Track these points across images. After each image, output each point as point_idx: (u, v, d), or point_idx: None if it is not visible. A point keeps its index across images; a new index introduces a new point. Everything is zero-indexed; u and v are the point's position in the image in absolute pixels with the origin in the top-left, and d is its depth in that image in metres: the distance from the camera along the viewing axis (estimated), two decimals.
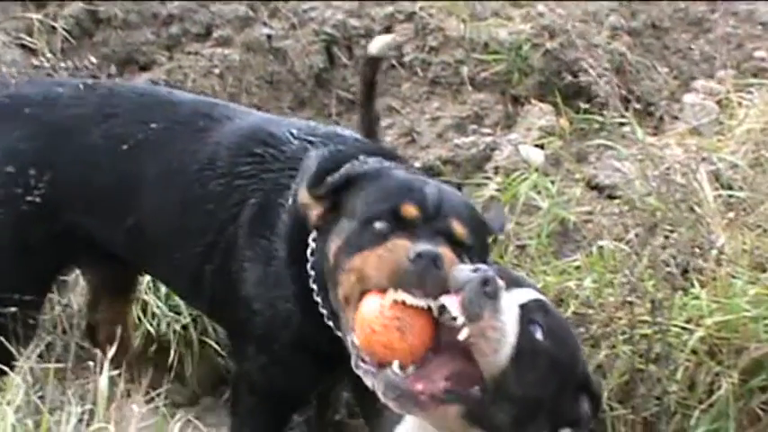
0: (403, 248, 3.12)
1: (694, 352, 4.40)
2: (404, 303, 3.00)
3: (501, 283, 2.87)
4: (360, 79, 4.62)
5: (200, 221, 3.74)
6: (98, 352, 3.83)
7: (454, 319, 2.87)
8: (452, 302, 2.87)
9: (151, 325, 4.67)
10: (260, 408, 3.79)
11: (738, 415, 4.34)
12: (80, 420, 3.26)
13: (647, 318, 4.44)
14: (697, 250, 4.71)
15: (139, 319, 4.66)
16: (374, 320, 3.01)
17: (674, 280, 4.52)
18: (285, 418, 3.92)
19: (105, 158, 3.82)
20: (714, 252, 4.66)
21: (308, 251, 3.48)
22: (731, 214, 4.84)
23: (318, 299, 3.47)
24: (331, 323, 3.44)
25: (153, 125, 3.81)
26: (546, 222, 4.95)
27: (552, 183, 5.12)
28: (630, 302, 4.44)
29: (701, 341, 4.40)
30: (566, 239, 5.01)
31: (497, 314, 2.82)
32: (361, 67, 4.79)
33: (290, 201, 3.56)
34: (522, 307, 2.89)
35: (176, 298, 4.62)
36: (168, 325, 4.70)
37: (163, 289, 4.69)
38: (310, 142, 3.71)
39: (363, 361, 3.05)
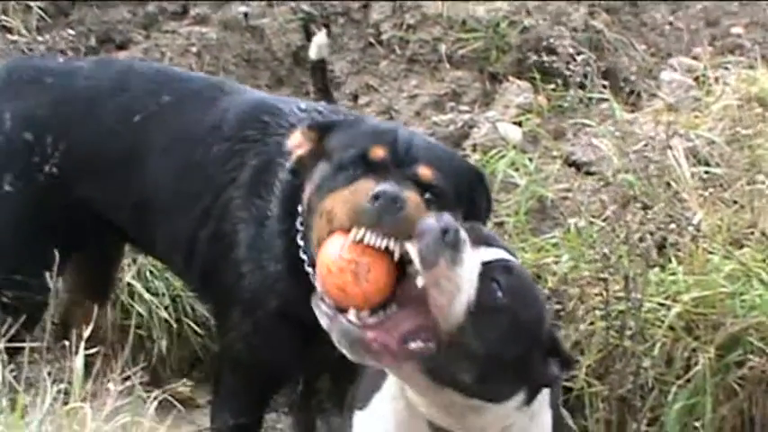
0: (366, 189, 3.10)
1: (671, 328, 4.42)
2: (363, 243, 2.97)
3: (463, 234, 2.83)
4: (312, 85, 4.64)
5: (198, 185, 3.76)
6: (74, 331, 3.80)
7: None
8: (413, 248, 2.85)
9: (131, 306, 4.65)
10: (241, 387, 3.77)
11: (715, 390, 4.37)
12: (55, 399, 3.25)
13: (622, 294, 4.45)
14: (674, 226, 4.72)
15: (117, 298, 4.64)
16: (331, 261, 2.96)
17: (648, 256, 4.53)
18: (266, 399, 3.90)
19: (117, 130, 3.85)
20: (691, 228, 4.68)
21: (299, 207, 3.49)
22: (708, 191, 4.85)
23: (304, 256, 3.46)
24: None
25: (165, 98, 3.87)
26: (524, 199, 4.96)
27: (530, 160, 5.12)
28: (605, 279, 4.45)
29: (677, 317, 4.42)
30: (543, 216, 5.02)
31: (454, 265, 2.78)
32: (309, 74, 4.81)
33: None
34: (485, 264, 2.85)
35: (155, 280, 4.64)
36: (146, 306, 4.69)
37: (142, 269, 4.69)
38: (318, 113, 3.76)
39: (323, 301, 3.03)
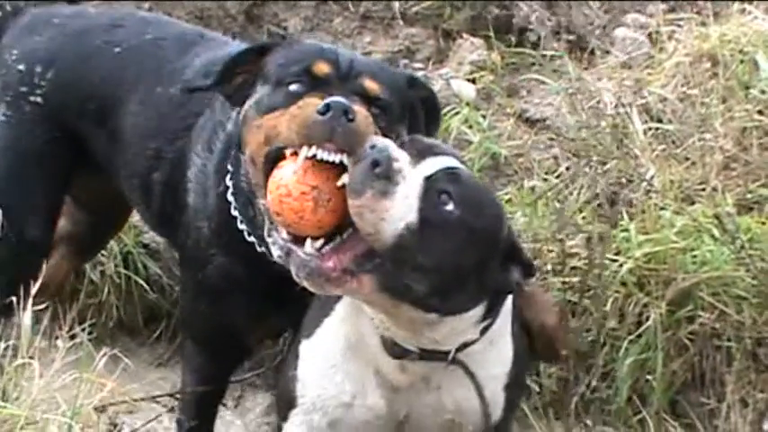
0: (313, 104, 3.03)
1: (623, 283, 4.44)
2: (319, 164, 2.94)
3: (398, 164, 2.80)
4: None
5: (153, 124, 3.73)
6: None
7: None
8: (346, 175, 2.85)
9: None
10: (199, 352, 3.73)
11: (666, 345, 4.40)
12: (3, 356, 3.23)
13: (577, 251, 4.47)
14: (626, 183, 4.75)
15: None
16: (291, 183, 2.92)
17: (614, 218, 4.56)
18: (227, 365, 3.84)
19: (99, 60, 3.88)
20: (643, 184, 4.69)
21: (229, 163, 3.45)
22: (660, 147, 4.87)
23: (237, 213, 3.41)
24: (252, 238, 3.37)
25: (148, 36, 3.88)
26: (477, 156, 4.95)
27: (484, 117, 5.12)
28: (561, 240, 4.47)
29: (629, 273, 4.44)
30: (497, 173, 5.02)
31: (382, 196, 2.76)
32: None
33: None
34: (429, 178, 2.82)
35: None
36: (96, 262, 4.67)
37: None
38: None
39: (276, 231, 2.99)
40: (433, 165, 2.86)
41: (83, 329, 3.38)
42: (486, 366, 3.11)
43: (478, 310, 2.95)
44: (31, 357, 3.22)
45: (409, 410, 3.12)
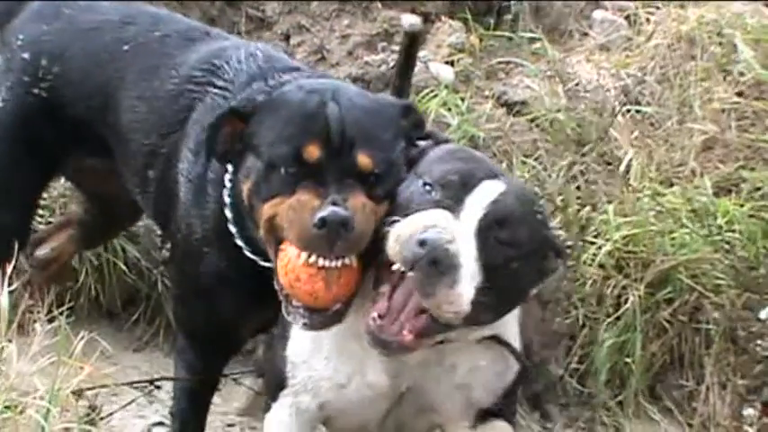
0: (309, 207, 2.98)
1: (602, 266, 4.44)
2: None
3: (452, 246, 2.79)
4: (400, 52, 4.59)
5: (150, 118, 3.71)
6: None
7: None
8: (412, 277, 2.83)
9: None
10: (191, 346, 3.71)
11: (645, 327, 4.42)
12: None
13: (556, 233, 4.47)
14: (605, 165, 4.75)
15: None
16: (298, 268, 2.96)
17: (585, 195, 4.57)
18: (218, 358, 3.80)
19: (107, 58, 3.86)
20: (622, 167, 4.70)
21: (227, 177, 3.42)
22: (639, 129, 4.88)
23: (233, 229, 3.41)
24: (251, 255, 3.37)
25: (156, 33, 3.86)
26: (456, 139, 4.93)
27: (462, 100, 5.10)
28: None
29: (608, 255, 4.45)
30: None
31: (452, 287, 2.79)
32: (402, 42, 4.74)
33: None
34: (480, 229, 2.83)
35: None
36: None
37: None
38: (259, 68, 3.62)
39: (293, 306, 3.02)
40: (474, 209, 2.86)
41: (61, 313, 3.35)
42: (511, 330, 3.15)
43: None
44: (8, 341, 3.20)
45: (413, 382, 3.10)
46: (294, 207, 3.03)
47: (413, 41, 4.46)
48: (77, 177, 4.21)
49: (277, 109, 3.22)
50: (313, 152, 3.07)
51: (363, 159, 3.08)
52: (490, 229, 2.84)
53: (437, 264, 2.78)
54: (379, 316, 2.90)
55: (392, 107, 3.30)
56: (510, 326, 3.13)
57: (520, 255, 2.87)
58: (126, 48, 3.84)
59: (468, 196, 2.88)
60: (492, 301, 2.85)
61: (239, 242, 3.37)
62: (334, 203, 2.97)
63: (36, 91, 3.87)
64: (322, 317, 3.01)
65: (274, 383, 3.23)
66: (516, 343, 3.16)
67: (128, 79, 3.80)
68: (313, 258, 2.96)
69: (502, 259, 2.84)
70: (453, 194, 2.89)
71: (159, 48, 3.81)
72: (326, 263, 2.95)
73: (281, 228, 3.06)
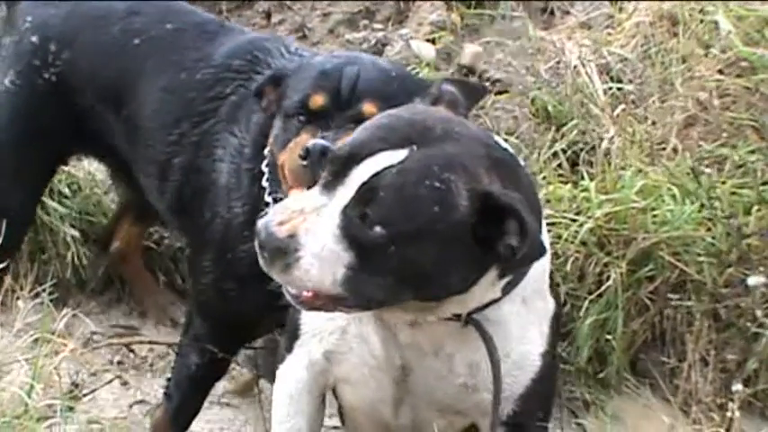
0: (303, 143, 3.08)
1: (583, 243, 4.44)
2: None
3: (278, 237, 2.67)
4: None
5: (178, 109, 3.76)
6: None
7: None
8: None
9: (42, 224, 4.57)
10: (210, 332, 3.71)
11: (627, 305, 4.42)
12: None
13: None
14: (587, 143, 4.76)
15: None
16: None
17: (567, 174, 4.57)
18: (236, 345, 3.86)
19: (118, 52, 3.91)
20: (603, 144, 4.70)
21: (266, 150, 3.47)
22: (620, 107, 4.88)
23: (269, 199, 3.42)
24: None
25: (168, 25, 3.90)
26: None
27: None
28: None
29: (590, 232, 4.45)
30: None
31: (285, 270, 2.70)
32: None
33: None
34: (345, 207, 2.67)
35: (67, 200, 4.60)
36: (59, 224, 4.62)
37: (54, 188, 4.60)
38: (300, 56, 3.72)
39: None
40: (351, 185, 2.70)
41: (44, 290, 3.35)
42: (521, 324, 2.98)
43: (489, 277, 2.78)
44: None
45: (408, 363, 3.03)
46: (291, 147, 3.15)
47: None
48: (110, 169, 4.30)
49: (304, 71, 3.39)
50: (317, 100, 3.24)
51: (369, 107, 3.19)
52: (356, 207, 2.67)
53: (262, 248, 2.71)
54: None
55: (412, 81, 3.39)
56: (510, 314, 2.94)
57: (398, 233, 2.64)
58: (137, 41, 3.88)
59: (353, 170, 2.70)
60: (381, 282, 2.69)
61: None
62: (322, 138, 3.08)
63: (46, 75, 3.91)
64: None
65: (290, 336, 3.20)
66: (545, 327, 3.04)
67: (146, 74, 3.84)
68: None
69: (373, 246, 2.66)
70: (337, 169, 2.72)
71: (176, 41, 3.87)
72: None
73: (284, 173, 3.19)
